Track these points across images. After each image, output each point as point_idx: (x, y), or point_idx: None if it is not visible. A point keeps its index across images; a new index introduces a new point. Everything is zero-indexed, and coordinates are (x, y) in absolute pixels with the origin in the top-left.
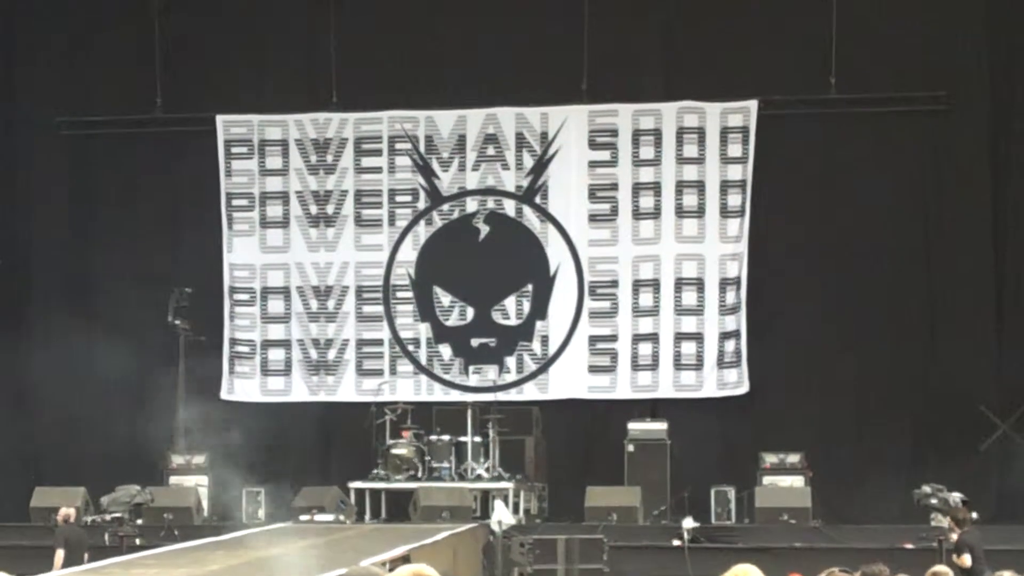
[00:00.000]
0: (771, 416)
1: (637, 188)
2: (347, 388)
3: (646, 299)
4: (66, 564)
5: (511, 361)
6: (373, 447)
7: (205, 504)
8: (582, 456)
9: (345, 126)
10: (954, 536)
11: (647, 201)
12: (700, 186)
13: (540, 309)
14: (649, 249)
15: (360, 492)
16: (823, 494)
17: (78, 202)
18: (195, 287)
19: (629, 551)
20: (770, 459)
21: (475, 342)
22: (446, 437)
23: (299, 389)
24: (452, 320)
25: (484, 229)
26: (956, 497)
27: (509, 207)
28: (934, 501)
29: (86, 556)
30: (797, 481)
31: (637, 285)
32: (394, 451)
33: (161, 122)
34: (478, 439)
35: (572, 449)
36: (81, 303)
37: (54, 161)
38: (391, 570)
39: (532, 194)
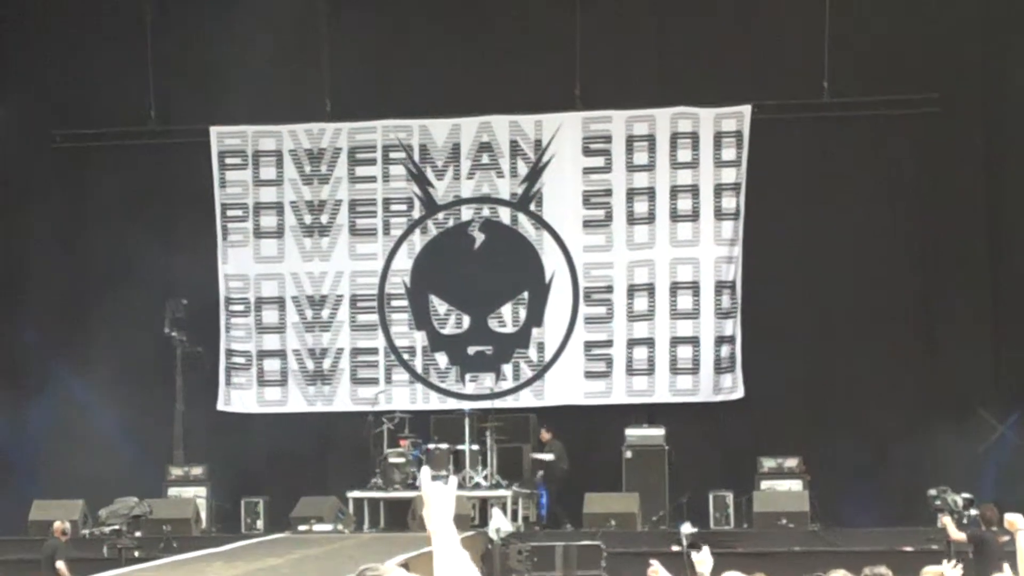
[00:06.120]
0: (769, 420)
1: (631, 193)
2: (343, 397)
3: (641, 304)
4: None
5: (507, 368)
6: (371, 456)
7: (204, 515)
8: (580, 462)
9: (339, 136)
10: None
11: (641, 206)
12: (694, 190)
13: (536, 316)
14: (644, 254)
15: (359, 501)
16: (821, 498)
17: (72, 214)
18: (190, 298)
19: (627, 557)
20: (768, 463)
21: (471, 350)
22: (444, 445)
23: (296, 399)
24: (448, 328)
25: (479, 237)
26: (959, 498)
27: (504, 215)
28: (938, 503)
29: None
30: (795, 485)
31: (632, 290)
32: (391, 460)
33: (155, 134)
34: (476, 447)
35: (570, 456)
36: (77, 315)
37: (49, 173)
38: None
39: (527, 201)
